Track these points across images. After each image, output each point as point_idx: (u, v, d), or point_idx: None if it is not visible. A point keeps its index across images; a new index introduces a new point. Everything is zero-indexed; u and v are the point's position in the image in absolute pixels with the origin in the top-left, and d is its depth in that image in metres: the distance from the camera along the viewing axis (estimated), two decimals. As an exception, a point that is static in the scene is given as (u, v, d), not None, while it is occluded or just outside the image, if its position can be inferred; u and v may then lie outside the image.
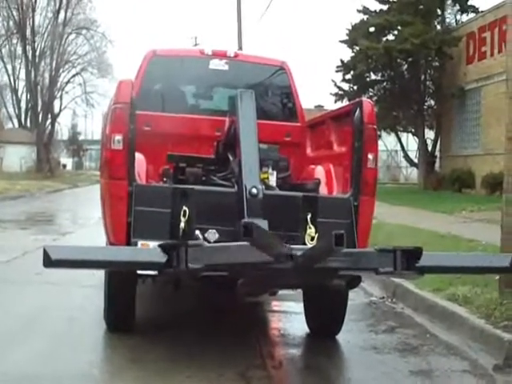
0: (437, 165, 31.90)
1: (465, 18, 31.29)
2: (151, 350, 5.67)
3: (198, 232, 5.18)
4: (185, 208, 5.17)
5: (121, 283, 5.81)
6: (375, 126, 5.76)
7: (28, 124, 56.93)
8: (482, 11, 29.20)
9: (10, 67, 55.25)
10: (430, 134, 32.95)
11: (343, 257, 4.18)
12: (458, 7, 31.67)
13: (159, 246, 4.05)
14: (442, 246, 10.79)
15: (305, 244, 5.18)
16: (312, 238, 5.23)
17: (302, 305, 6.66)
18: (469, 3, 31.29)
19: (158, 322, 6.82)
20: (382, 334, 6.68)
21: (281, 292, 6.19)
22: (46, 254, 3.84)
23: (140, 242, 5.04)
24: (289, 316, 7.44)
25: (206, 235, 5.19)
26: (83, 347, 5.80)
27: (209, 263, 4.02)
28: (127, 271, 5.18)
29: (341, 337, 6.31)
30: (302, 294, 6.50)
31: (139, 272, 5.09)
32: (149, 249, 4.06)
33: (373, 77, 31.74)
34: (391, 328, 6.89)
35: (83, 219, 18.31)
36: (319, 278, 4.72)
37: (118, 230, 5.31)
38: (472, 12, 30.94)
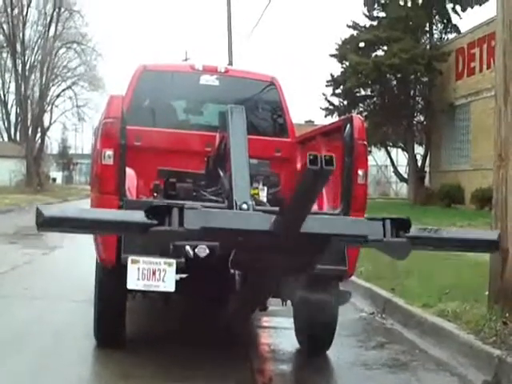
0: (426, 180, 32.02)
1: (450, 36, 31.66)
2: (141, 366, 5.64)
3: (188, 247, 5.18)
4: (175, 223, 5.14)
5: (110, 297, 5.79)
6: (365, 142, 5.78)
7: (18, 138, 56.81)
8: (461, 32, 29.61)
9: (-1, 81, 55.35)
10: (419, 150, 33.11)
11: (335, 222, 4.20)
12: (443, 25, 32.03)
13: (151, 207, 3.98)
14: (430, 261, 10.81)
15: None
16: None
17: (291, 320, 6.66)
18: (453, 22, 31.65)
19: (148, 337, 6.79)
20: (371, 349, 6.69)
21: (271, 308, 6.18)
22: (38, 213, 3.79)
23: (130, 258, 5.04)
24: (279, 331, 7.44)
25: (196, 250, 5.19)
26: (72, 362, 5.77)
27: (205, 226, 3.98)
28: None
29: (331, 352, 6.30)
30: (291, 310, 6.49)
31: (129, 287, 5.10)
32: (141, 212, 3.99)
33: (362, 92, 31.90)
34: (381, 344, 6.89)
35: (73, 234, 18.20)
36: (310, 249, 4.53)
37: (108, 246, 5.31)
38: (454, 32, 31.30)
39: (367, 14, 32.50)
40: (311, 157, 3.34)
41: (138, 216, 3.90)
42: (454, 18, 31.72)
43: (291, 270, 4.59)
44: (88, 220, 3.91)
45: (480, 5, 30.47)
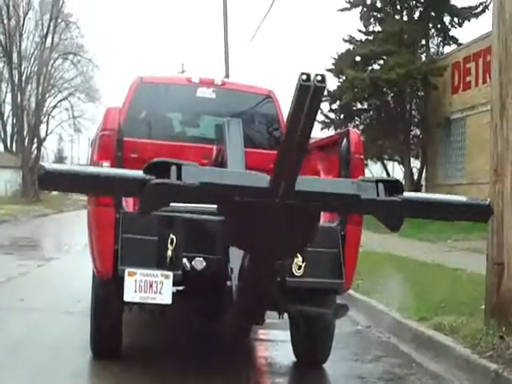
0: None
1: (447, 49, 31.75)
2: (137, 378, 5.63)
3: (185, 260, 5.18)
4: (172, 236, 5.16)
5: (107, 310, 5.78)
6: (362, 156, 5.80)
7: (14, 148, 56.80)
8: (461, 43, 29.69)
9: (-5, 91, 55.32)
10: (415, 163, 33.15)
11: (328, 182, 4.24)
12: (440, 38, 32.13)
13: (150, 164, 3.99)
14: (426, 275, 10.83)
15: (292, 274, 5.20)
16: (299, 267, 5.23)
17: (288, 333, 6.65)
18: (451, 34, 31.75)
19: (145, 349, 6.77)
20: (367, 363, 6.68)
21: (268, 321, 6.18)
22: (40, 167, 3.78)
23: (127, 270, 5.04)
24: (275, 344, 7.42)
25: (192, 263, 5.20)
26: (68, 374, 5.75)
27: (203, 181, 3.98)
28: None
29: (327, 365, 6.29)
30: (288, 323, 6.49)
31: (126, 299, 5.09)
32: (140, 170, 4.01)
33: (359, 106, 31.95)
34: (377, 357, 6.88)
35: (69, 245, 18.20)
36: (305, 215, 4.48)
37: (105, 258, 5.31)
38: (453, 43, 31.39)
39: (363, 30, 32.59)
40: (304, 76, 3.36)
41: (137, 172, 3.93)
42: (452, 30, 31.83)
43: (287, 248, 4.54)
44: (88, 175, 3.89)
45: (477, 17, 30.62)
